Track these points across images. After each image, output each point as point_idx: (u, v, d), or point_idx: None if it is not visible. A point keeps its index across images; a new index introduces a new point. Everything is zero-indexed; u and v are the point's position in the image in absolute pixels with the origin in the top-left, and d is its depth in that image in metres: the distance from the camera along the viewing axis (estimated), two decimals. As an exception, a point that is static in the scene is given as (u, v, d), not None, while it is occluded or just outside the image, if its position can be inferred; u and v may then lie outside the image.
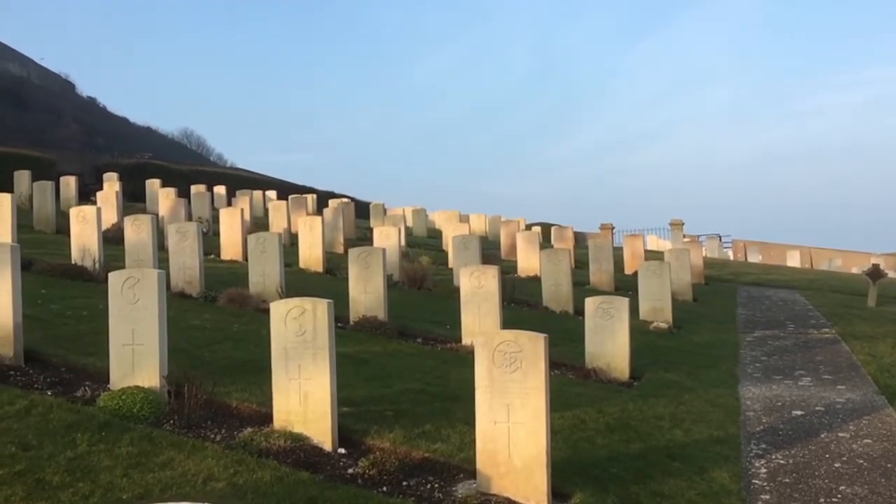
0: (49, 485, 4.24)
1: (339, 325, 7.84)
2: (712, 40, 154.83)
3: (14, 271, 6.44)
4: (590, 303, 8.69)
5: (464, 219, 26.20)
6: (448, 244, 18.06)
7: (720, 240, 34.38)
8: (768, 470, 6.01)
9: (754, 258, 33.20)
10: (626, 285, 15.63)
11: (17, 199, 12.56)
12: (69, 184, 20.53)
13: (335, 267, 14.06)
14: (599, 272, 16.21)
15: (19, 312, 6.47)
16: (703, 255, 22.29)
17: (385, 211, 26.81)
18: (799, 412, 7.71)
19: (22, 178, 19.95)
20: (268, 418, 5.53)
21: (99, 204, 16.14)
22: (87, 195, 21.31)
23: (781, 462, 6.21)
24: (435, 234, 25.69)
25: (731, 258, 33.37)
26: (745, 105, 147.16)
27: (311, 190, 33.70)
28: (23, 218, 14.11)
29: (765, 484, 5.72)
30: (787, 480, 5.80)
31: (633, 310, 9.31)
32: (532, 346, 4.75)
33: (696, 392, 8.15)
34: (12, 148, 26.70)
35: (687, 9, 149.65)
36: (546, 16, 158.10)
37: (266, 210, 22.87)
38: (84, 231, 11.32)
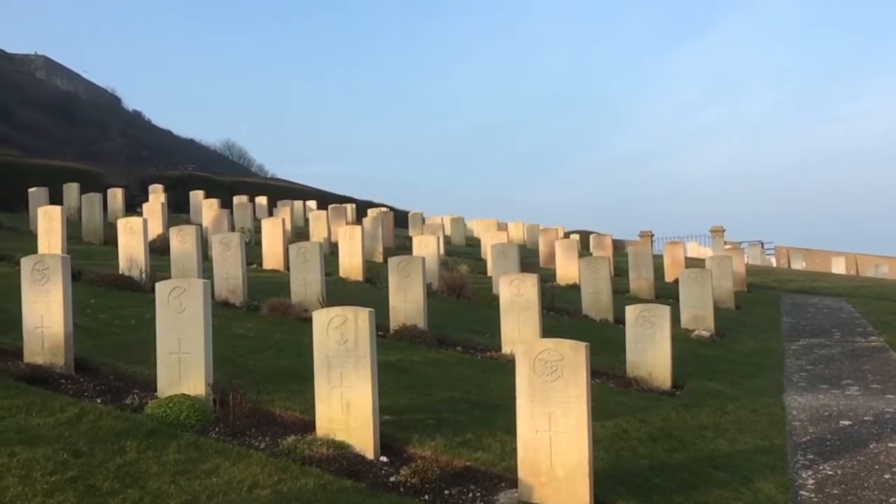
0: (99, 491, 4.33)
1: (379, 333, 7.89)
2: (750, 44, 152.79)
3: (65, 282, 6.62)
4: (630, 311, 8.63)
5: (502, 227, 26.19)
6: (486, 252, 18.06)
7: (762, 246, 33.84)
8: (816, 481, 5.90)
9: (798, 265, 32.60)
10: (666, 293, 15.46)
11: (66, 212, 12.90)
12: (116, 196, 21.01)
13: (375, 276, 14.15)
14: (639, 280, 16.07)
15: (70, 322, 6.65)
16: (746, 262, 21.95)
17: (423, 220, 26.91)
18: (847, 422, 7.55)
19: (71, 190, 20.46)
20: (310, 426, 5.59)
21: (145, 215, 16.48)
22: (133, 207, 21.78)
23: (829, 473, 6.09)
24: (473, 243, 25.71)
25: (774, 265, 32.82)
26: (785, 109, 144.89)
27: (350, 200, 33.92)
28: (72, 229, 14.47)
29: (812, 495, 5.61)
30: (836, 492, 5.69)
31: (675, 318, 9.24)
32: (573, 355, 4.74)
33: (741, 401, 8.04)
34: (61, 161, 27.44)
35: (724, 14, 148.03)
36: (582, 23, 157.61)
37: (306, 220, 23.10)
38: (131, 242, 11.58)
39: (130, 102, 74.18)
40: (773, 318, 14.85)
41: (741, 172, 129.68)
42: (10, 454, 4.62)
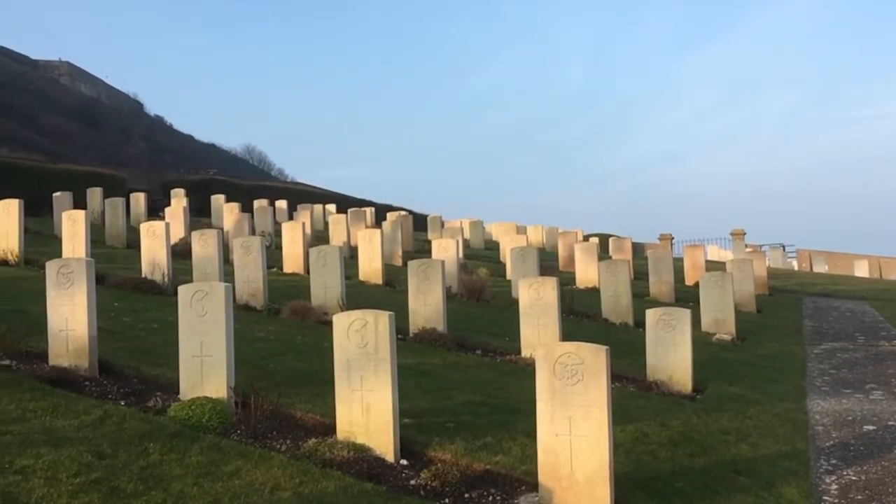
0: (123, 493, 4.38)
1: (398, 336, 7.92)
2: (770, 46, 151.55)
3: (89, 285, 6.70)
4: (650, 314, 8.59)
5: (521, 230, 26.16)
6: (506, 256, 18.05)
7: (784, 249, 33.50)
8: (839, 486, 5.85)
9: (820, 268, 32.26)
10: (686, 297, 15.38)
11: (90, 216, 13.05)
12: (139, 200, 21.24)
13: (394, 279, 14.19)
14: (659, 283, 15.99)
15: (94, 325, 6.72)
16: (767, 265, 21.77)
17: (442, 223, 26.96)
18: (871, 427, 7.47)
19: (94, 195, 20.71)
20: (331, 429, 5.62)
21: (167, 219, 16.63)
22: (155, 211, 22.00)
23: (853, 478, 6.03)
24: (492, 246, 25.69)
25: (796, 268, 32.51)
26: (806, 110, 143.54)
27: (369, 203, 34.10)
28: (95, 233, 14.62)
29: (836, 501, 5.56)
30: (860, 498, 5.63)
31: (695, 321, 9.19)
32: (594, 359, 4.73)
33: (762, 406, 7.98)
34: (85, 166, 27.76)
35: (743, 16, 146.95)
36: (601, 26, 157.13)
37: (326, 223, 23.22)
38: (154, 246, 11.69)
39: (152, 107, 74.96)
40: (795, 322, 14.73)
41: (762, 174, 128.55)
42: (36, 455, 4.68)
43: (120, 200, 17.63)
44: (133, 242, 15.36)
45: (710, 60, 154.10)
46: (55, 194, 18.43)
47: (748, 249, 26.97)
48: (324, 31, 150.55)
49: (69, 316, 6.63)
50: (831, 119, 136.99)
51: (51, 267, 6.80)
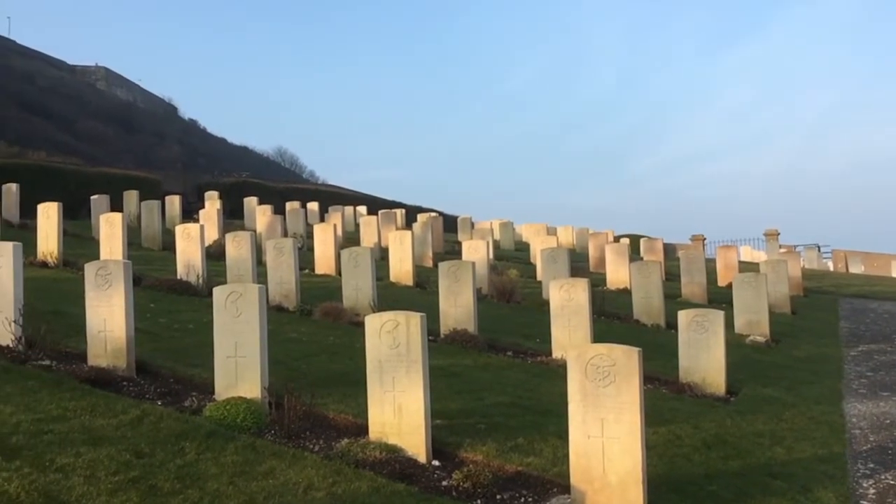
0: (161, 491, 4.46)
1: (430, 338, 7.95)
2: (806, 45, 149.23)
3: (127, 287, 6.83)
4: (683, 316, 8.52)
5: (551, 231, 26.07)
6: (536, 257, 18.01)
7: (819, 250, 32.97)
8: (877, 491, 5.76)
9: (856, 269, 31.68)
10: (719, 298, 15.22)
11: (126, 218, 13.27)
12: (174, 203, 21.55)
13: (424, 280, 14.23)
14: (691, 284, 15.84)
15: (132, 326, 6.85)
16: (802, 265, 21.46)
17: (472, 224, 26.98)
18: (910, 431, 7.34)
19: (131, 197, 21.06)
20: (363, 429, 5.67)
21: (202, 221, 16.85)
22: (189, 213, 22.30)
23: (891, 483, 5.93)
24: (522, 247, 25.66)
25: (832, 269, 31.96)
26: (842, 109, 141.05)
27: (399, 205, 34.20)
28: (132, 235, 14.86)
29: (873, 505, 5.48)
30: (898, 502, 5.54)
31: (728, 323, 9.09)
32: (626, 360, 4.71)
33: (798, 408, 7.88)
34: (121, 169, 28.23)
35: (779, 14, 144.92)
36: (634, 25, 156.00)
37: (357, 225, 23.36)
38: (188, 248, 11.87)
39: (186, 111, 75.88)
40: (830, 324, 14.50)
41: (796, 174, 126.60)
42: (76, 454, 4.79)
43: (156, 203, 17.91)
44: (168, 244, 15.59)
45: (744, 59, 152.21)
46: (93, 197, 18.79)
47: (782, 250, 26.60)
48: (355, 34, 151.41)
49: (107, 317, 6.76)
50: (869, 118, 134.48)
51: (89, 269, 6.94)
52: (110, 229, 12.57)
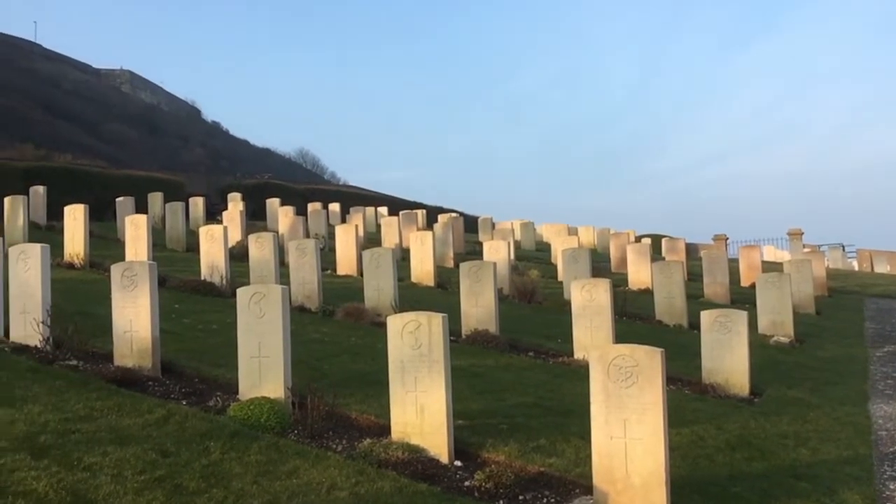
0: (186, 490, 4.51)
1: (451, 338, 7.98)
2: (828, 42, 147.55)
3: (152, 288, 6.91)
4: (706, 316, 8.47)
5: (572, 231, 25.99)
6: (557, 257, 17.96)
7: (843, 249, 32.55)
8: (904, 493, 5.69)
9: (882, 268, 31.22)
10: (742, 298, 15.10)
11: (151, 220, 13.41)
12: (197, 204, 21.73)
13: (446, 281, 14.25)
14: (714, 284, 15.72)
15: (157, 326, 6.93)
16: (826, 265, 21.21)
17: (493, 225, 26.92)
18: (938, 433, 7.24)
19: (155, 199, 21.28)
20: (386, 430, 5.69)
21: (225, 223, 16.98)
22: (213, 215, 22.49)
23: (919, 485, 5.85)
24: (543, 248, 25.59)
25: (856, 269, 31.53)
26: (866, 107, 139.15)
27: (420, 205, 34.24)
28: (156, 237, 15.02)
29: (900, 508, 5.41)
30: (926, 505, 5.47)
31: (752, 323, 9.02)
32: (649, 361, 4.70)
33: (823, 409, 7.80)
34: (146, 171, 28.53)
35: (798, 10, 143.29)
36: (652, 24, 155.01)
37: (378, 226, 23.41)
38: (212, 249, 11.97)
39: (209, 114, 76.62)
40: (855, 324, 14.33)
41: (820, 173, 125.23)
42: (103, 453, 4.86)
43: (180, 205, 18.08)
44: (192, 245, 15.72)
45: (765, 57, 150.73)
46: (118, 199, 19.01)
47: (806, 249, 26.32)
48: (373, 36, 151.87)
49: (133, 318, 6.85)
50: (893, 115, 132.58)
51: (115, 270, 7.03)
52: (135, 231, 12.71)
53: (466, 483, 5.07)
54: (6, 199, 15.14)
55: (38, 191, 18.51)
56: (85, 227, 13.04)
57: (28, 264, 7.37)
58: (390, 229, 19.76)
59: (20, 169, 21.86)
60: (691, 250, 26.36)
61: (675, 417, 6.16)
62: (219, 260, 11.85)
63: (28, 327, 7.22)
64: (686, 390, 8.08)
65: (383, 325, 5.84)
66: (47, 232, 16.51)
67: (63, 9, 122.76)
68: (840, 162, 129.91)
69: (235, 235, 17.00)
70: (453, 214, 27.92)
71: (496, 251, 14.29)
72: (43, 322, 7.17)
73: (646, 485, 4.66)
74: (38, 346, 7.07)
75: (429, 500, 4.67)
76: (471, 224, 28.86)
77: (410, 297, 11.18)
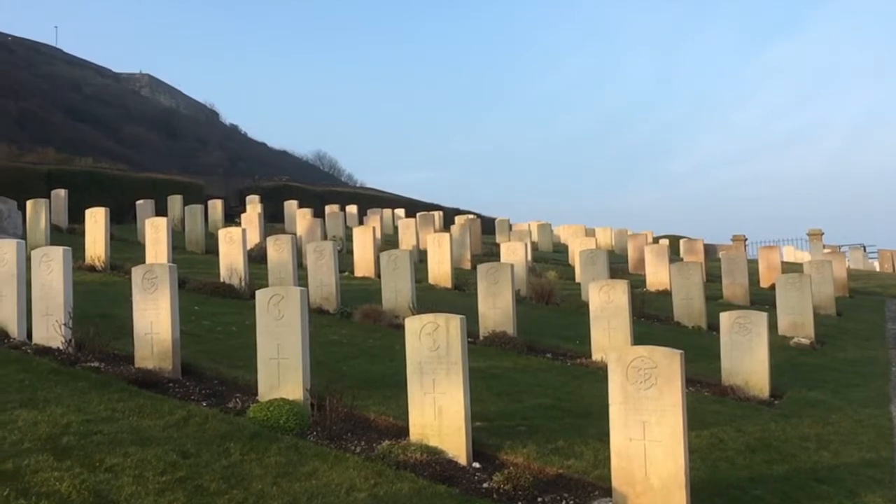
0: (206, 491, 4.54)
1: (469, 340, 7.98)
2: (849, 40, 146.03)
3: (172, 290, 6.97)
4: (725, 317, 8.42)
5: (590, 233, 25.92)
6: (574, 258, 17.92)
7: (864, 250, 32.19)
8: (928, 497, 5.62)
9: (904, 269, 30.85)
10: (762, 299, 14.98)
11: (171, 223, 13.52)
12: (216, 207, 21.89)
13: (463, 282, 14.25)
14: (733, 285, 15.61)
15: (177, 328, 6.99)
16: (847, 266, 20.99)
17: (510, 226, 26.91)
18: (962, 435, 7.15)
19: (175, 202, 21.45)
20: (404, 431, 5.71)
21: (243, 225, 17.09)
22: (231, 217, 22.65)
23: (943, 489, 5.78)
24: (560, 249, 25.52)
25: (878, 269, 31.18)
26: (887, 106, 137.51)
27: (437, 207, 34.25)
28: (176, 239, 15.14)
29: (924, 512, 5.35)
30: (950, 509, 5.40)
31: (772, 325, 8.94)
32: (668, 363, 4.68)
33: (844, 412, 7.72)
34: (165, 174, 28.76)
35: (820, 7, 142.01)
36: (670, 26, 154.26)
37: (395, 228, 23.46)
38: (231, 251, 12.05)
39: (227, 117, 77.06)
40: (877, 325, 14.17)
41: (840, 173, 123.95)
42: (125, 454, 4.90)
43: (199, 207, 18.21)
44: (211, 248, 15.84)
45: (785, 56, 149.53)
46: (138, 202, 19.18)
47: (826, 250, 26.06)
48: (389, 37, 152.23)
49: (153, 320, 6.91)
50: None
51: (136, 272, 7.10)
52: (155, 233, 12.82)
53: (485, 485, 5.08)
54: (28, 203, 15.32)
55: (60, 194, 18.71)
56: (106, 230, 13.17)
57: (50, 267, 7.46)
58: (407, 231, 19.80)
59: (42, 172, 22.09)
60: (710, 251, 26.18)
61: (695, 419, 6.13)
62: (238, 262, 11.93)
63: (50, 329, 7.30)
64: (705, 392, 8.04)
65: (401, 327, 5.85)
66: (69, 235, 16.68)
67: (83, 13, 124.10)
68: (861, 162, 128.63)
69: (254, 238, 17.10)
70: (470, 216, 27.95)
71: (513, 253, 14.27)
72: (65, 324, 7.25)
73: (665, 487, 4.64)
74: (61, 347, 7.15)
75: (447, 501, 4.68)
76: (488, 225, 28.85)
77: (428, 299, 11.19)
